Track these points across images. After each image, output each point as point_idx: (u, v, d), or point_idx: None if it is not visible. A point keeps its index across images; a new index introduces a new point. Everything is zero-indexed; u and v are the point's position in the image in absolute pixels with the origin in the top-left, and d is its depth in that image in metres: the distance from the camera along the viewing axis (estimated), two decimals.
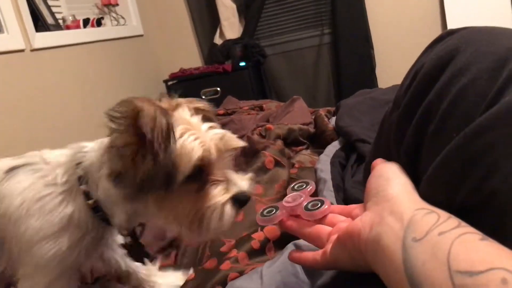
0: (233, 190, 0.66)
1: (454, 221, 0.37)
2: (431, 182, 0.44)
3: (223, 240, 0.91)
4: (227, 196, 0.65)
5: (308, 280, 0.69)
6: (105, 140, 0.67)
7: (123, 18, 2.82)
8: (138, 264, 0.92)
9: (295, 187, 0.61)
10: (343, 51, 2.91)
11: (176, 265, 0.97)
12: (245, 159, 1.28)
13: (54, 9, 2.29)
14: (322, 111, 1.56)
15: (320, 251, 0.52)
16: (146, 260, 0.92)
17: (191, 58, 3.22)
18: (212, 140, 0.66)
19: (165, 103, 0.68)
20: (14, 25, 1.87)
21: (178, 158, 0.61)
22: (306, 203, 0.56)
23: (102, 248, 0.81)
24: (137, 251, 0.82)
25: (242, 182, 0.68)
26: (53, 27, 2.19)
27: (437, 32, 2.60)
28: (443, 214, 0.39)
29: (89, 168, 0.70)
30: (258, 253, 0.85)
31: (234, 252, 0.83)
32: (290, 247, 0.77)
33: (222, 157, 0.68)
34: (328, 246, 0.50)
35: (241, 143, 0.72)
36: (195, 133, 0.65)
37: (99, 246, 0.78)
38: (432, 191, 0.43)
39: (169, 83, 2.89)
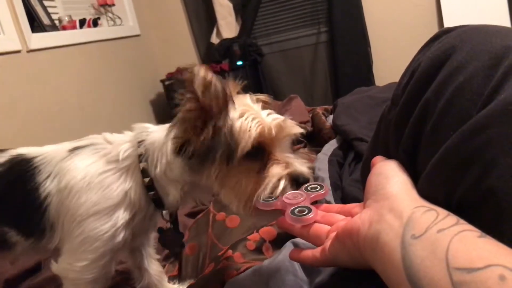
0: (292, 169, 0.66)
1: (452, 218, 0.37)
2: (429, 179, 0.44)
3: (221, 247, 0.91)
4: (285, 171, 0.65)
5: (307, 278, 0.69)
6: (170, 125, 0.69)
7: (119, 18, 2.82)
8: (156, 268, 0.92)
9: (309, 187, 0.62)
10: (340, 49, 2.91)
11: (180, 275, 0.98)
12: None
13: (50, 10, 2.28)
14: (319, 110, 1.57)
15: (319, 249, 0.52)
16: (179, 250, 0.91)
17: (188, 58, 3.22)
18: (272, 122, 0.67)
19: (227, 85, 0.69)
20: (10, 26, 1.86)
21: (239, 134, 0.63)
22: (293, 207, 0.56)
23: (146, 232, 0.83)
24: (174, 239, 0.81)
25: (301, 166, 0.68)
26: (49, 28, 2.18)
27: (433, 30, 2.61)
28: (442, 211, 0.39)
29: (150, 146, 0.72)
30: (254, 253, 0.85)
31: (229, 253, 0.84)
32: (288, 245, 0.77)
33: (282, 141, 0.69)
34: (327, 243, 0.50)
35: (300, 130, 0.73)
36: (255, 115, 0.66)
37: (144, 229, 0.79)
38: (431, 189, 0.44)
39: (166, 82, 2.89)
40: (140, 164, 0.72)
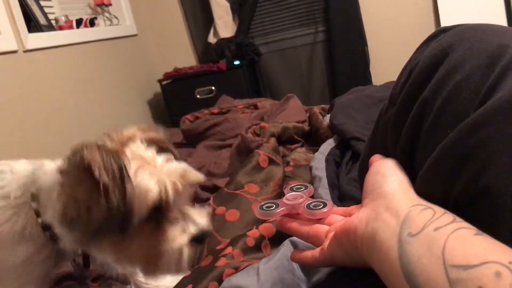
0: (192, 230, 0.64)
1: (449, 216, 0.38)
2: (426, 178, 0.44)
3: (220, 239, 0.91)
4: (185, 238, 0.63)
5: (305, 277, 0.69)
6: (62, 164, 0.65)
7: (116, 18, 2.81)
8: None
9: (294, 188, 0.62)
10: (337, 48, 2.91)
11: None
12: (239, 158, 1.28)
13: (46, 10, 2.27)
14: (316, 109, 1.57)
15: (318, 249, 0.52)
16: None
17: (185, 58, 3.22)
18: (169, 175, 0.63)
19: (115, 140, 0.66)
20: (6, 26, 1.85)
21: (133, 200, 0.59)
22: (308, 202, 0.57)
23: (68, 259, 0.79)
24: (78, 276, 0.80)
25: (201, 219, 0.66)
26: (46, 28, 2.17)
27: (430, 29, 2.62)
28: (439, 209, 0.39)
29: (41, 190, 0.69)
30: (253, 250, 0.85)
31: (229, 249, 0.84)
32: (286, 243, 0.77)
33: (180, 193, 0.65)
34: (326, 243, 0.50)
35: (201, 178, 0.69)
36: (150, 170, 0.62)
37: (64, 257, 0.76)
38: (428, 187, 0.44)
39: (163, 82, 2.89)
40: (32, 204, 0.69)
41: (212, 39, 3.09)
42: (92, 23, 2.55)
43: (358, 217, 0.46)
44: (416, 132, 0.47)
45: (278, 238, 0.88)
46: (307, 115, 1.57)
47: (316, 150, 1.31)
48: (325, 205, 0.56)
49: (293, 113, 1.57)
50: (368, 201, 0.47)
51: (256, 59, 3.00)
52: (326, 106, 1.65)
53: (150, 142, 0.70)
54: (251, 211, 0.95)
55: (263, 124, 1.39)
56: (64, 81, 2.20)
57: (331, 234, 0.50)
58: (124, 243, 0.62)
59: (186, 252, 0.64)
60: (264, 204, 0.59)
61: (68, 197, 0.60)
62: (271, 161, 1.11)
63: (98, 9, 2.75)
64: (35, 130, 1.94)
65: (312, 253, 0.53)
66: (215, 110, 1.94)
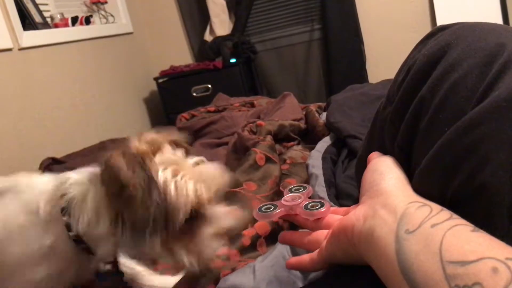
0: (222, 229, 0.69)
1: (446, 213, 0.38)
2: (423, 175, 0.44)
3: None
4: (215, 235, 0.68)
5: (301, 274, 0.69)
6: (90, 174, 0.69)
7: (112, 15, 2.80)
8: (132, 263, 0.90)
9: (293, 189, 0.62)
10: (334, 46, 2.91)
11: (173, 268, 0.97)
12: (236, 156, 1.28)
13: (42, 7, 2.26)
14: (313, 107, 1.57)
15: (316, 251, 0.53)
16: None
17: (181, 55, 3.21)
18: (203, 179, 0.67)
19: (144, 147, 0.67)
20: (1, 24, 1.84)
21: (175, 203, 0.63)
22: (306, 203, 0.58)
23: (90, 273, 0.80)
24: (113, 283, 0.81)
25: (228, 219, 0.70)
26: (41, 26, 2.16)
27: (427, 26, 2.63)
28: (436, 206, 0.39)
29: (72, 201, 0.69)
30: (249, 249, 0.85)
31: (226, 250, 0.84)
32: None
33: (213, 195, 0.69)
34: (324, 242, 0.51)
35: (227, 177, 0.73)
36: (186, 174, 0.65)
37: (87, 272, 0.77)
38: (425, 184, 0.44)
39: (160, 80, 2.88)
40: (63, 218, 0.69)
41: (208, 37, 3.08)
42: (87, 21, 2.54)
43: (355, 214, 0.46)
44: (414, 130, 0.48)
45: (273, 236, 0.88)
46: (304, 113, 1.57)
47: (313, 148, 1.31)
48: (322, 205, 0.56)
49: (289, 111, 1.57)
50: (366, 199, 0.47)
51: (252, 57, 3.00)
52: (323, 104, 1.65)
53: (173, 145, 0.72)
54: (251, 208, 0.94)
55: (259, 122, 1.39)
56: (60, 79, 2.19)
57: (329, 233, 0.51)
58: (168, 242, 0.67)
59: (215, 245, 0.69)
60: (263, 206, 0.60)
61: (108, 208, 0.64)
62: (268, 159, 1.11)
63: (94, 6, 2.74)
64: (31, 128, 1.93)
65: (310, 256, 0.53)
66: (211, 108, 1.93)
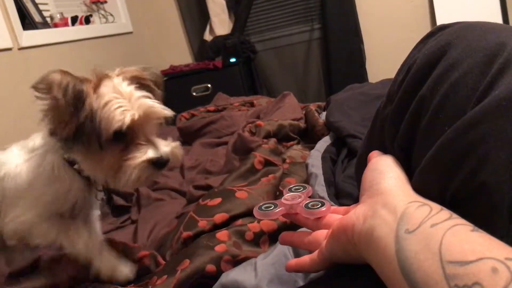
0: (150, 154, 0.77)
1: (446, 213, 0.38)
2: (423, 174, 0.44)
3: (196, 218, 0.91)
4: (142, 158, 0.77)
5: (302, 274, 0.69)
6: None
7: (111, 15, 2.80)
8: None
9: (293, 188, 0.62)
10: (333, 46, 2.91)
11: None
12: (237, 156, 1.28)
13: (41, 7, 2.26)
14: (312, 106, 1.57)
15: (316, 251, 0.52)
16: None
17: (181, 55, 3.21)
18: (139, 108, 0.77)
19: (95, 74, 0.78)
20: (0, 24, 1.84)
21: (101, 123, 0.73)
22: (306, 202, 0.58)
23: (90, 203, 0.92)
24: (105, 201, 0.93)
25: (163, 147, 0.80)
26: (41, 25, 2.16)
27: (426, 26, 2.62)
28: (435, 206, 0.39)
29: None
30: (250, 244, 0.85)
31: (225, 234, 0.83)
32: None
33: (148, 124, 0.79)
34: (323, 242, 0.51)
35: (168, 113, 0.82)
36: (121, 102, 0.76)
37: (88, 199, 0.89)
38: (425, 184, 0.44)
39: None
40: (57, 144, 0.80)
41: (208, 36, 3.08)
42: (87, 20, 2.54)
43: (355, 213, 0.46)
44: (414, 129, 0.48)
45: (278, 235, 0.88)
46: (303, 112, 1.57)
47: (312, 147, 1.31)
48: (323, 204, 0.56)
49: (289, 110, 1.57)
50: (366, 198, 0.47)
51: (252, 57, 3.00)
52: (322, 104, 1.65)
53: (133, 79, 0.82)
54: (233, 198, 0.95)
55: (258, 122, 1.38)
56: None
57: (329, 232, 0.51)
58: (96, 155, 0.76)
59: (141, 170, 0.77)
60: (263, 204, 0.60)
61: (48, 118, 0.76)
62: (267, 163, 1.10)
63: (94, 6, 2.74)
64: (30, 128, 1.93)
65: (310, 257, 0.53)
66: (211, 107, 1.93)
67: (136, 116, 0.76)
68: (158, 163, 0.78)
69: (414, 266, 0.35)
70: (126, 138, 0.77)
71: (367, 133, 0.68)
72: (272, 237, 0.87)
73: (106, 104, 0.75)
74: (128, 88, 0.79)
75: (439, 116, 0.44)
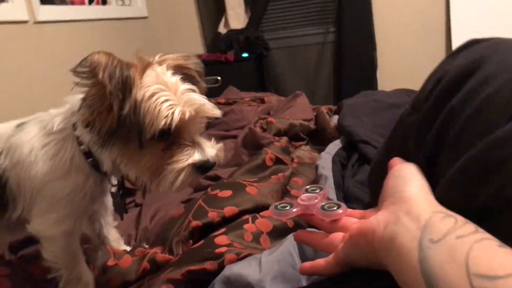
0: (196, 158, 0.70)
1: (471, 226, 0.38)
2: (449, 186, 0.44)
3: (206, 209, 0.90)
4: (188, 162, 0.70)
5: None
6: None
7: None
8: (113, 235, 0.99)
9: (309, 189, 0.62)
10: (346, 50, 2.91)
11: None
12: (246, 151, 1.28)
13: None
14: (323, 109, 1.57)
15: (331, 255, 0.53)
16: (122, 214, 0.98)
17: (193, 45, 3.20)
18: (185, 104, 0.69)
19: (140, 60, 0.71)
20: None
21: (145, 118, 0.66)
22: (322, 204, 0.58)
23: (102, 197, 0.88)
24: (117, 203, 0.88)
25: (209, 149, 0.72)
26: (58, 1, 2.15)
27: (441, 39, 2.61)
28: (460, 218, 0.39)
29: (79, 116, 0.73)
30: (252, 243, 0.85)
31: (224, 239, 0.83)
32: (290, 238, 0.78)
33: (194, 122, 0.72)
34: (340, 246, 0.51)
35: (217, 113, 0.75)
36: (168, 96, 0.68)
37: (98, 192, 0.83)
38: (450, 195, 0.44)
39: None
40: (75, 133, 0.75)
41: (222, 29, 3.07)
42: (104, 1, 2.53)
43: (376, 219, 0.46)
44: (441, 140, 0.48)
45: (277, 232, 0.88)
46: (314, 114, 1.57)
47: (321, 149, 1.31)
48: (339, 206, 0.57)
49: (300, 110, 1.57)
50: (388, 204, 0.47)
51: (265, 54, 2.99)
52: (333, 107, 1.65)
53: (178, 69, 0.75)
54: (243, 192, 0.95)
55: (270, 119, 1.39)
56: (72, 55, 2.17)
57: (346, 236, 0.51)
58: (135, 153, 0.69)
59: (184, 174, 0.70)
60: (279, 204, 0.60)
61: (85, 101, 0.68)
62: (278, 161, 1.10)
63: None
64: (40, 101, 1.93)
65: (325, 260, 0.53)
66: (221, 100, 1.93)
67: (187, 114, 0.68)
68: (204, 167, 0.71)
69: (438, 275, 0.35)
70: (170, 136, 0.70)
71: (386, 140, 0.68)
72: (270, 235, 0.87)
73: (151, 96, 0.67)
74: (173, 79, 0.71)
75: (470, 129, 0.44)
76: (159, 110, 0.66)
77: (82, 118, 0.69)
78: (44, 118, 0.79)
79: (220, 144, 0.77)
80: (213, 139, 0.76)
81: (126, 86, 0.65)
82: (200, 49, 3.23)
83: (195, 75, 0.78)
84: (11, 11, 1.80)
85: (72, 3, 2.31)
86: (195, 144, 0.71)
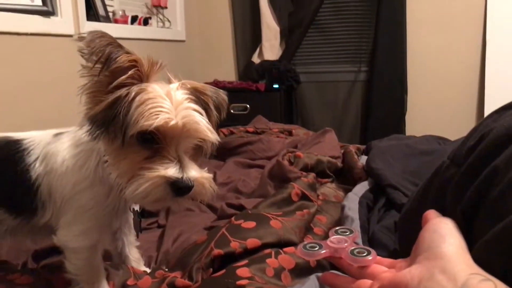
0: (170, 172, 0.66)
1: None
2: (488, 247, 0.44)
3: (230, 238, 0.89)
4: (160, 173, 0.65)
5: None
6: None
7: (169, 21, 2.89)
8: (134, 255, 0.99)
9: (339, 231, 0.62)
10: (377, 91, 2.91)
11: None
12: (272, 183, 1.29)
13: (107, 2, 2.35)
14: (352, 148, 1.56)
15: None
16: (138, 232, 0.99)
17: (226, 71, 3.27)
18: (179, 117, 0.67)
19: (148, 63, 0.71)
20: (68, 10, 1.92)
21: (133, 115, 0.65)
22: (352, 248, 0.57)
23: (125, 213, 0.88)
24: (135, 221, 0.89)
25: (191, 171, 0.67)
26: (103, 19, 2.24)
27: (474, 89, 2.60)
28: (500, 284, 0.39)
29: None
30: (273, 278, 0.84)
31: (246, 271, 0.83)
32: (312, 278, 0.77)
33: (184, 139, 0.68)
34: None
35: (212, 137, 0.71)
36: (164, 104, 0.67)
37: (125, 209, 0.85)
38: (488, 257, 0.43)
39: None
40: (98, 144, 0.75)
41: (256, 59, 3.13)
42: (146, 22, 2.62)
43: (410, 272, 0.45)
44: (481, 198, 0.47)
45: (299, 270, 0.87)
46: (342, 152, 1.57)
47: (346, 188, 1.31)
48: (369, 253, 0.56)
49: (328, 147, 1.57)
50: (422, 259, 0.46)
51: (295, 86, 3.03)
52: (362, 147, 1.64)
53: (193, 91, 0.74)
54: (267, 225, 0.94)
55: (298, 153, 1.39)
56: None
57: (375, 285, 0.50)
58: (118, 153, 0.69)
59: (152, 185, 0.65)
60: (308, 244, 0.60)
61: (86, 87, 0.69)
62: (304, 197, 1.10)
63: (154, 10, 2.83)
64: (76, 112, 1.98)
65: None
66: (250, 128, 1.95)
67: (171, 123, 0.66)
68: (177, 186, 0.66)
69: None
70: (155, 146, 0.67)
71: (421, 189, 0.67)
72: (292, 273, 0.86)
73: (147, 99, 0.66)
74: (180, 96, 0.70)
75: None
76: (148, 110, 0.65)
77: (85, 112, 0.69)
78: (78, 130, 0.80)
79: (210, 175, 0.73)
80: (206, 168, 0.72)
81: (106, 58, 0.66)
82: (232, 76, 3.29)
83: (208, 102, 0.76)
84: (59, 25, 1.88)
85: (116, 21, 2.41)
86: (177, 161, 0.67)
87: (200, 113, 0.71)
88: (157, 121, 0.64)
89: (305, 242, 0.60)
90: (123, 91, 0.67)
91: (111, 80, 0.67)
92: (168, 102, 0.67)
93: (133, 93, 0.67)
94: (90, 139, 0.70)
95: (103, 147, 0.73)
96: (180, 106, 0.68)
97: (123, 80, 0.68)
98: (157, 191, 0.66)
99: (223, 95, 0.81)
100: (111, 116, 0.66)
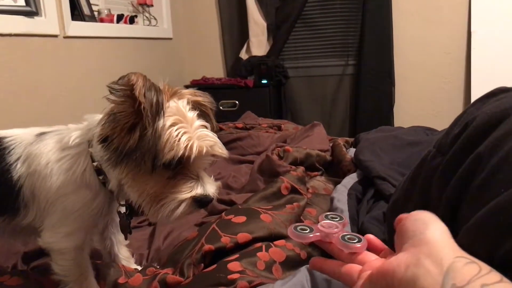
0: (199, 191, 0.73)
1: (496, 275, 0.38)
2: (473, 232, 0.44)
3: (220, 234, 0.90)
4: (190, 194, 0.72)
5: None
6: None
7: (155, 19, 2.87)
8: (124, 253, 0.99)
9: (329, 216, 0.62)
10: (365, 84, 2.93)
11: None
12: (262, 177, 1.29)
13: (92, 1, 2.33)
14: (340, 141, 1.57)
15: None
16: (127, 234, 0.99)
17: (214, 68, 3.26)
18: (198, 139, 0.72)
19: (164, 89, 0.74)
20: (52, 11, 1.90)
21: (164, 144, 0.69)
22: (343, 234, 0.57)
23: (111, 215, 0.89)
24: (123, 224, 0.90)
25: (210, 185, 0.75)
26: (88, 18, 2.22)
27: (460, 80, 2.62)
28: (484, 266, 0.39)
29: (94, 134, 0.76)
30: (264, 272, 0.85)
31: (237, 265, 0.83)
32: (303, 270, 0.78)
33: (202, 158, 0.74)
34: (359, 283, 0.50)
35: (225, 154, 0.78)
36: (185, 128, 0.71)
37: (109, 211, 0.85)
38: (473, 242, 0.44)
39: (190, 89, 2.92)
40: (90, 149, 0.78)
41: (243, 54, 3.13)
42: (131, 20, 2.60)
43: (397, 259, 0.46)
44: (466, 185, 0.48)
45: (290, 262, 0.88)
46: (331, 145, 1.57)
47: (335, 181, 1.31)
48: (360, 240, 0.56)
49: (317, 141, 1.58)
50: (408, 247, 0.47)
51: (284, 81, 3.03)
52: (350, 139, 1.65)
53: (195, 105, 0.79)
54: (257, 219, 0.95)
55: (287, 147, 1.39)
56: (97, 71, 2.24)
57: (365, 273, 0.50)
58: (141, 176, 0.71)
59: (183, 206, 0.72)
60: (299, 225, 0.59)
61: (112, 117, 0.69)
62: (294, 190, 1.10)
63: (140, 8, 2.81)
64: (62, 113, 1.97)
65: None
66: (239, 124, 1.95)
67: (204, 150, 0.72)
68: (203, 202, 0.74)
69: None
70: (178, 167, 0.72)
71: (407, 179, 0.68)
72: (283, 265, 0.86)
73: (171, 125, 0.70)
74: (190, 114, 0.75)
75: (496, 177, 0.44)
76: (179, 140, 0.69)
77: (100, 133, 0.71)
78: (63, 132, 0.82)
79: (219, 182, 0.79)
80: (212, 176, 0.79)
81: (158, 108, 0.68)
82: (220, 72, 3.28)
83: (209, 113, 0.82)
84: (43, 25, 1.86)
85: (101, 20, 2.39)
86: (199, 178, 0.74)
87: (207, 127, 0.77)
88: (193, 151, 0.70)
89: (296, 224, 0.59)
90: (154, 126, 0.69)
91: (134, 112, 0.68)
92: (189, 126, 0.72)
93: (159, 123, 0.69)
94: (110, 166, 0.72)
95: (117, 172, 0.73)
96: (194, 126, 0.73)
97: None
98: (188, 209, 0.73)
99: (211, 99, 0.86)
100: (139, 145, 0.68)
